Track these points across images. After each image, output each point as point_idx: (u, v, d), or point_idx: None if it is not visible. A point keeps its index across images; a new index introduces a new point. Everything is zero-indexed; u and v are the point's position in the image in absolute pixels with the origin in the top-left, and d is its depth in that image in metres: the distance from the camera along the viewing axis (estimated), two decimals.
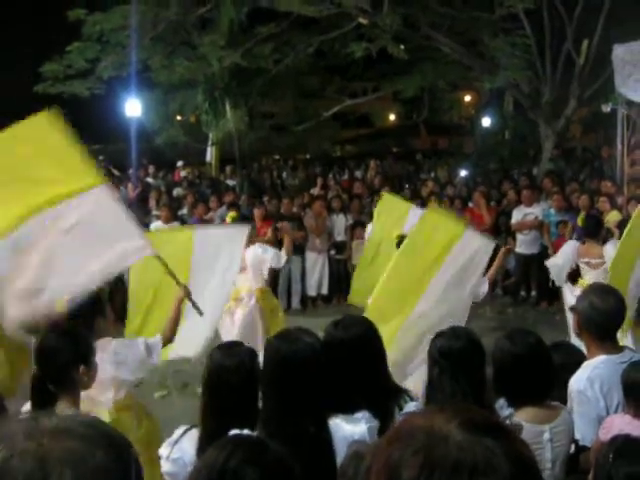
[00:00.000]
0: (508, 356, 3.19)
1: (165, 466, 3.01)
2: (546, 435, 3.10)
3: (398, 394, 3.32)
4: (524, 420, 3.02)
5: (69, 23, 16.75)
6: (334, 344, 3.14)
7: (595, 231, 8.04)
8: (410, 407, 3.17)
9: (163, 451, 3.04)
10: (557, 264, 7.96)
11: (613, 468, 2.43)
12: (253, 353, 3.12)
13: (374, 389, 3.13)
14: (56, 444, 1.10)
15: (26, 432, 1.12)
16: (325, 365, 2.87)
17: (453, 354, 3.11)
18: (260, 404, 2.90)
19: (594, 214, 9.35)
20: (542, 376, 3.17)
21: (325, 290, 12.09)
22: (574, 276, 7.91)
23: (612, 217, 10.71)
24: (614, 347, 3.61)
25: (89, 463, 1.10)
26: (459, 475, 1.08)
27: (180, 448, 2.99)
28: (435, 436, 1.13)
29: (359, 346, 3.17)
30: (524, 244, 11.60)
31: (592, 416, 3.35)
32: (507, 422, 2.97)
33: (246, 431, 2.56)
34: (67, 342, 3.42)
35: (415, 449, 1.13)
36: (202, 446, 2.87)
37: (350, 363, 3.10)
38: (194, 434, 2.99)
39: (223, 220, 10.11)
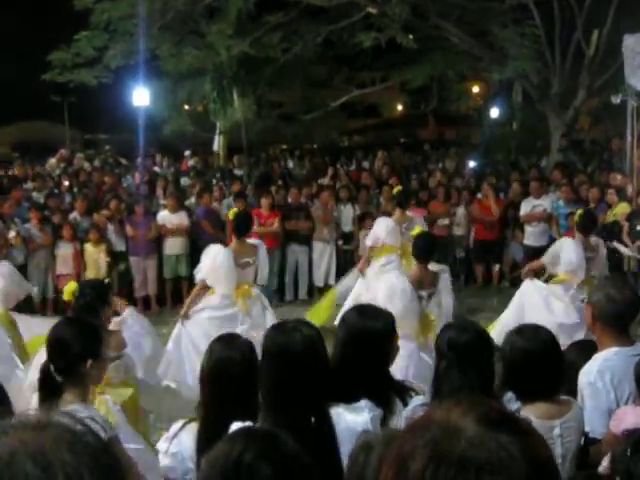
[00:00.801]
0: (520, 351, 3.15)
1: (164, 460, 3.01)
2: (556, 431, 3.07)
3: (403, 390, 3.30)
4: (534, 415, 3.00)
5: (77, 11, 16.72)
6: (350, 333, 3.15)
7: (590, 227, 8.04)
8: (416, 401, 3.16)
9: (161, 445, 3.05)
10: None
11: (632, 462, 2.41)
12: (252, 345, 3.12)
13: (377, 379, 3.13)
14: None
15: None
16: (325, 356, 2.85)
17: (461, 346, 3.09)
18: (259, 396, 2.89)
19: (590, 210, 9.27)
20: (553, 372, 3.14)
21: (332, 280, 12.08)
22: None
23: (621, 209, 10.68)
24: (627, 339, 3.59)
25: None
26: (466, 471, 1.05)
27: (179, 442, 2.99)
28: (448, 429, 1.11)
29: (373, 336, 3.16)
30: (532, 236, 11.57)
31: (602, 408, 3.34)
32: None
33: (248, 423, 2.55)
34: (77, 334, 3.39)
35: (426, 441, 1.11)
36: (202, 440, 2.87)
37: (361, 353, 3.10)
38: (193, 428, 2.98)
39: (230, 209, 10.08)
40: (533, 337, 3.19)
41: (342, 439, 2.72)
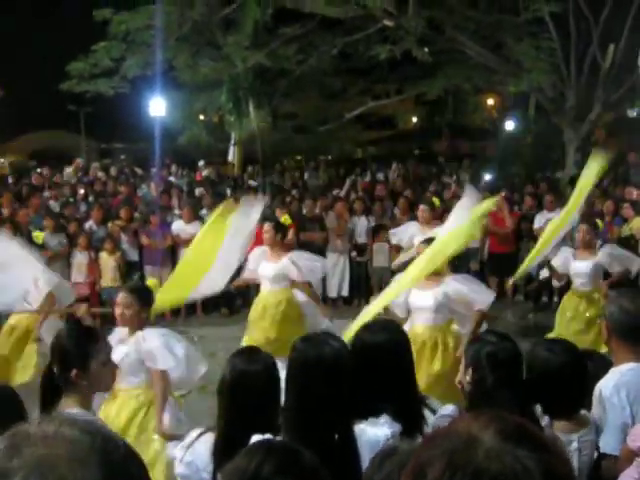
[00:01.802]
0: (550, 366, 3.12)
1: (179, 468, 3.01)
2: (574, 445, 3.06)
3: (422, 402, 3.27)
4: (554, 431, 2.99)
5: (96, 22, 16.90)
6: (364, 347, 3.11)
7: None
8: (445, 410, 3.12)
9: (177, 453, 3.05)
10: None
11: None
12: (273, 359, 3.09)
13: (401, 395, 3.07)
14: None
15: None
16: (351, 370, 2.83)
17: (506, 361, 3.02)
18: (282, 410, 2.87)
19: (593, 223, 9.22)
20: (580, 387, 3.14)
21: (345, 292, 12.08)
22: None
23: (636, 223, 10.63)
24: None
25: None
26: None
27: (194, 451, 2.98)
28: (466, 441, 1.13)
29: (389, 350, 3.11)
30: None
31: (617, 424, 3.31)
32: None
33: (267, 436, 2.53)
34: (71, 343, 3.38)
35: (443, 450, 1.13)
36: (218, 451, 2.87)
37: (379, 367, 3.06)
38: (209, 438, 2.97)
39: None
40: (563, 352, 3.17)
41: (364, 455, 2.70)
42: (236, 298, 11.61)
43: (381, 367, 3.05)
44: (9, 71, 27.75)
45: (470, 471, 1.08)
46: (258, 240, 8.55)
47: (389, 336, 3.18)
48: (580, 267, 7.81)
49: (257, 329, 7.72)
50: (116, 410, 4.69)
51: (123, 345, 4.71)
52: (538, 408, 3.11)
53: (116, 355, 4.49)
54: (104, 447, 1.08)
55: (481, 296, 6.13)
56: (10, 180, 17.62)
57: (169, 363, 4.64)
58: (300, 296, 7.89)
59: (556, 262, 7.92)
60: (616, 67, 16.33)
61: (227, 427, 2.92)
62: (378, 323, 3.30)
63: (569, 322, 7.71)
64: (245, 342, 7.65)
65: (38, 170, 19.44)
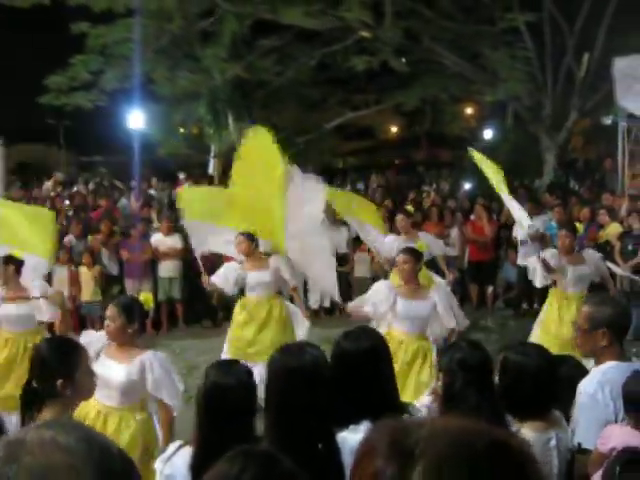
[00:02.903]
0: (525, 369, 3.20)
1: None
2: (553, 442, 3.14)
3: (402, 409, 3.31)
4: (531, 429, 3.05)
5: (73, 36, 16.86)
6: (344, 355, 3.14)
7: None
8: (424, 400, 3.17)
9: (157, 465, 3.08)
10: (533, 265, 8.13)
11: None
12: (250, 371, 3.11)
13: (381, 402, 3.08)
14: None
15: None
16: (331, 378, 2.85)
17: (475, 366, 3.10)
18: (264, 421, 2.86)
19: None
20: (553, 388, 3.21)
21: (327, 303, 12.10)
22: None
23: (612, 230, 10.75)
24: (623, 354, 3.64)
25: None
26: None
27: (172, 464, 3.00)
28: (408, 426, 1.11)
29: (369, 358, 3.14)
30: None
31: (600, 420, 3.35)
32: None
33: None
34: (54, 354, 3.41)
35: (386, 431, 1.11)
36: (196, 463, 2.87)
37: (360, 374, 3.08)
38: (187, 451, 2.99)
39: None
40: (530, 354, 3.26)
41: (347, 463, 2.71)
42: (218, 310, 11.59)
43: (362, 374, 3.07)
44: None
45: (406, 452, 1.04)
46: None
47: (369, 342, 3.21)
48: (575, 270, 7.88)
49: (242, 334, 7.80)
50: (115, 427, 4.64)
51: (120, 364, 4.68)
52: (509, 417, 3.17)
53: (117, 375, 4.61)
54: (100, 456, 1.09)
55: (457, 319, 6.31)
56: None
57: (172, 400, 4.67)
58: (288, 304, 8.05)
59: (547, 256, 7.97)
60: (591, 75, 16.54)
61: (204, 439, 2.93)
62: (357, 330, 3.33)
63: (560, 324, 7.72)
64: (227, 349, 7.71)
65: (18, 184, 19.36)
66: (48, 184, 19.34)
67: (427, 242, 9.07)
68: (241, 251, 7.84)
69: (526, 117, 18.12)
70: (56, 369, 3.33)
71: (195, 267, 8.89)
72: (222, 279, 7.83)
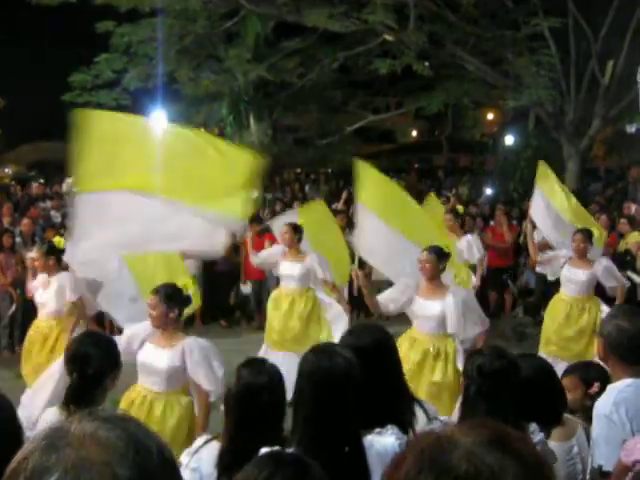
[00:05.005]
0: (536, 378, 3.23)
1: (184, 473, 3.03)
2: (575, 449, 3.12)
3: (412, 403, 3.28)
4: (554, 440, 3.03)
5: (98, 34, 16.99)
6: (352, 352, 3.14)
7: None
8: (443, 418, 3.16)
9: (183, 459, 3.06)
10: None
11: None
12: (279, 370, 3.10)
13: (394, 400, 3.08)
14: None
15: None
16: (360, 380, 2.82)
17: (493, 373, 3.08)
18: (291, 422, 2.85)
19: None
20: (556, 394, 3.20)
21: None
22: None
23: (632, 238, 10.66)
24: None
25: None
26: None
27: (199, 458, 3.00)
28: (442, 442, 1.15)
29: (372, 353, 3.13)
30: None
31: (618, 440, 3.30)
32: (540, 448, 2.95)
33: (276, 448, 2.54)
34: (102, 351, 3.61)
35: (418, 448, 1.16)
36: (224, 460, 2.87)
37: (368, 371, 3.03)
38: (214, 446, 2.99)
39: None
40: (530, 364, 3.29)
41: (373, 467, 2.70)
42: (234, 310, 11.61)
43: (366, 369, 3.03)
44: (10, 82, 27.87)
45: (438, 467, 1.10)
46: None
47: (374, 338, 3.21)
48: (577, 274, 7.84)
49: (270, 322, 8.01)
50: (160, 413, 4.75)
51: (163, 350, 4.80)
52: (532, 426, 3.14)
53: (161, 361, 4.75)
54: (137, 455, 1.09)
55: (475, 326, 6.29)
56: (13, 190, 17.70)
57: (210, 386, 4.73)
58: (325, 298, 8.07)
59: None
60: (615, 83, 16.41)
61: (232, 438, 2.93)
62: (361, 327, 3.32)
63: (561, 327, 7.77)
64: (266, 339, 7.98)
65: (41, 180, 19.51)
66: (69, 181, 19.45)
67: (466, 245, 9.52)
68: (284, 241, 8.08)
69: (548, 124, 18.01)
70: (108, 367, 3.57)
71: (211, 266, 8.90)
72: (265, 255, 8.36)
